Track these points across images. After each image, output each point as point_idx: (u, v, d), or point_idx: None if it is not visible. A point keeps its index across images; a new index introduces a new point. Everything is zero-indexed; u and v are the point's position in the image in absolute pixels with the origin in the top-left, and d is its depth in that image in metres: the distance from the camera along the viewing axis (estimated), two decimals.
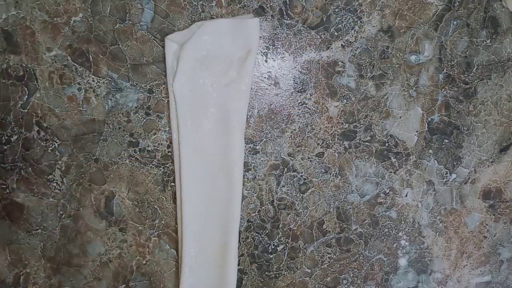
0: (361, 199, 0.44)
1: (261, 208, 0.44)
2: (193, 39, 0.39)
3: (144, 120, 0.41)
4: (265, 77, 0.42)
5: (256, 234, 0.44)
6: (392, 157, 0.44)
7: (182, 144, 0.40)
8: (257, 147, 0.43)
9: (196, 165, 0.41)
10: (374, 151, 0.44)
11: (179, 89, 0.40)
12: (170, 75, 0.40)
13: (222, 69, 0.40)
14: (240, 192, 0.42)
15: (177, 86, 0.40)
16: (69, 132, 0.41)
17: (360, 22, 0.41)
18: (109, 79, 0.40)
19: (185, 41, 0.39)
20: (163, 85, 0.41)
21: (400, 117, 0.43)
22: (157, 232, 0.43)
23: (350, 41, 0.42)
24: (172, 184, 0.42)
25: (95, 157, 0.41)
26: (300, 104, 0.42)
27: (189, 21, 0.40)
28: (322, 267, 0.45)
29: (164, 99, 0.41)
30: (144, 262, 0.43)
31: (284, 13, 0.41)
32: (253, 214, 0.44)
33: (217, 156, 0.41)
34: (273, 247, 0.44)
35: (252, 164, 0.43)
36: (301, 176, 0.43)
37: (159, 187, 0.42)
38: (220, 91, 0.40)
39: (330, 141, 0.43)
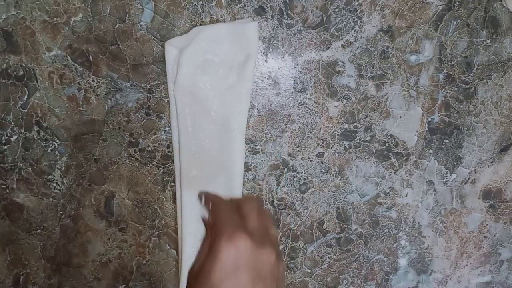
0: (361, 199, 0.44)
1: None
2: (192, 44, 0.39)
3: (144, 120, 0.41)
4: (265, 77, 0.42)
5: None
6: (392, 157, 0.44)
7: (183, 147, 0.40)
8: (257, 147, 0.43)
9: (196, 167, 0.41)
10: (374, 151, 0.44)
11: (179, 93, 0.40)
12: (170, 79, 0.40)
13: (222, 73, 0.40)
14: (240, 193, 0.42)
15: (178, 90, 0.40)
16: (69, 132, 0.41)
17: (360, 22, 0.41)
18: (109, 79, 0.40)
19: (185, 46, 0.39)
20: (163, 85, 0.41)
21: (400, 117, 0.43)
22: (157, 232, 0.43)
23: (350, 41, 0.42)
24: (172, 184, 0.42)
25: (95, 157, 0.41)
26: (300, 104, 0.42)
27: (189, 21, 0.40)
28: (322, 267, 0.45)
29: (164, 99, 0.41)
30: (144, 262, 0.43)
31: (284, 13, 0.41)
32: None
33: (217, 158, 0.41)
34: None
35: (252, 164, 0.43)
36: (301, 176, 0.43)
37: (159, 187, 0.42)
38: (220, 95, 0.40)
39: (330, 141, 0.43)
